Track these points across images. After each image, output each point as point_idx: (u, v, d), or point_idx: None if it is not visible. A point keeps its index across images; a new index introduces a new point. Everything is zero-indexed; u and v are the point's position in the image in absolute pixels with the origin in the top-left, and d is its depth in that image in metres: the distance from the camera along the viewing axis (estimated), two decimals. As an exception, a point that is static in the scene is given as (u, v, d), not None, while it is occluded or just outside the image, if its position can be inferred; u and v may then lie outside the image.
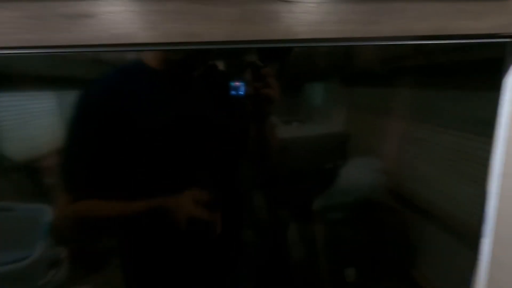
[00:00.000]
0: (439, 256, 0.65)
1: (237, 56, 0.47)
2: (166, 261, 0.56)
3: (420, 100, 0.55)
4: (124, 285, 0.57)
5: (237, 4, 0.40)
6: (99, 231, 0.56)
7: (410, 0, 0.43)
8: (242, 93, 0.47)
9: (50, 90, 0.48)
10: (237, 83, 0.47)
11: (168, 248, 0.55)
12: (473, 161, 0.59)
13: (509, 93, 0.84)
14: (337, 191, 0.58)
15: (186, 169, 0.52)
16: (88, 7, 0.37)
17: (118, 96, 0.48)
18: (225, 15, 0.40)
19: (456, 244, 0.63)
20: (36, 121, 0.48)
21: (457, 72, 0.52)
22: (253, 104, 0.49)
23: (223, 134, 0.52)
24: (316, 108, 0.54)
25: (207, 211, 0.51)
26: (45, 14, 0.37)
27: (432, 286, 0.65)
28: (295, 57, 0.48)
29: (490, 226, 0.90)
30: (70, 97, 0.46)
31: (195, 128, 0.49)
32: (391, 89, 0.53)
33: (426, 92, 0.54)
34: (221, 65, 0.48)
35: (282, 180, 0.57)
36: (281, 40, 0.42)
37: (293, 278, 0.63)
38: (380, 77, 0.52)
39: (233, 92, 0.47)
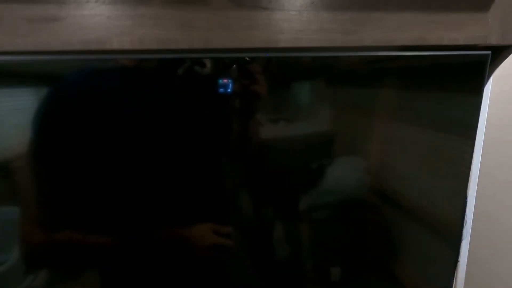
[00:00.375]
0: (421, 255, 0.67)
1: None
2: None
3: (403, 101, 0.55)
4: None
5: (215, 10, 0.39)
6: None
7: (390, 10, 0.43)
8: (229, 90, 0.45)
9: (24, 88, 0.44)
10: (224, 80, 0.45)
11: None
12: (454, 162, 0.60)
13: (487, 99, 0.87)
14: (323, 190, 0.58)
15: (184, 178, 0.50)
16: (55, 10, 0.35)
17: (97, 101, 0.43)
18: (203, 21, 0.39)
19: (438, 243, 0.65)
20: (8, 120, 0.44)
21: (439, 75, 0.52)
22: (240, 102, 0.47)
23: (212, 134, 0.50)
24: (302, 107, 0.53)
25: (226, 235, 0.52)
26: (6, 16, 0.34)
27: (414, 284, 0.67)
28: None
29: (468, 226, 0.93)
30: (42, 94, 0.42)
31: (186, 131, 0.47)
32: (375, 90, 0.53)
33: (408, 94, 0.55)
34: (207, 62, 0.45)
35: (269, 180, 0.56)
36: (260, 49, 0.41)
37: (281, 278, 0.63)
38: (365, 78, 0.51)
39: (221, 90, 0.45)
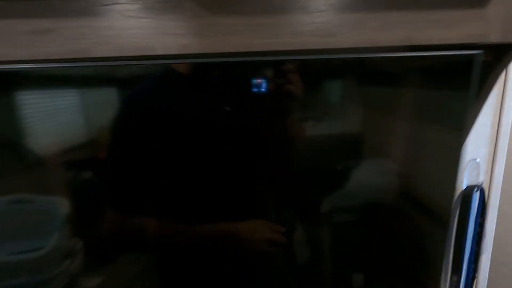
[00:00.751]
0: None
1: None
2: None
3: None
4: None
5: (190, 18, 0.41)
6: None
7: (370, 10, 0.42)
8: (264, 90, 0.46)
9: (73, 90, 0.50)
10: (258, 80, 0.46)
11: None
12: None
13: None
14: (348, 192, 0.58)
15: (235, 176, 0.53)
16: (46, 24, 0.39)
17: (156, 106, 0.49)
18: (178, 28, 0.41)
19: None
20: (58, 118, 0.51)
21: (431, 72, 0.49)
22: (274, 101, 0.48)
23: (251, 134, 0.52)
24: (331, 106, 0.53)
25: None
26: (7, 30, 0.39)
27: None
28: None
29: (489, 240, 0.86)
30: (93, 95, 0.48)
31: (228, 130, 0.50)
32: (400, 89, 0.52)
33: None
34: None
35: (298, 180, 0.57)
36: (238, 53, 0.42)
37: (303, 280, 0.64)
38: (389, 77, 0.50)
39: (254, 90, 0.46)
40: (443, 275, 0.86)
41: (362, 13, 0.42)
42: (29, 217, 0.58)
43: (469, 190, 0.77)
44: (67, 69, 0.43)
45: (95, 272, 0.60)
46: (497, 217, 0.80)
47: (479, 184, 0.77)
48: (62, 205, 0.56)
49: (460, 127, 0.49)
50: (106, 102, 0.47)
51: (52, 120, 0.50)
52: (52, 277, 0.60)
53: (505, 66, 0.50)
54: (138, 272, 0.60)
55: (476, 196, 0.78)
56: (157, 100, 0.48)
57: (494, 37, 0.44)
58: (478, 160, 0.78)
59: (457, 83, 0.46)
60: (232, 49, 0.42)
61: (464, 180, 0.79)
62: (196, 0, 0.39)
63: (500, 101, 0.74)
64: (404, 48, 0.44)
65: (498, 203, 0.80)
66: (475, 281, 0.82)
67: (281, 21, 0.41)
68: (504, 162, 0.77)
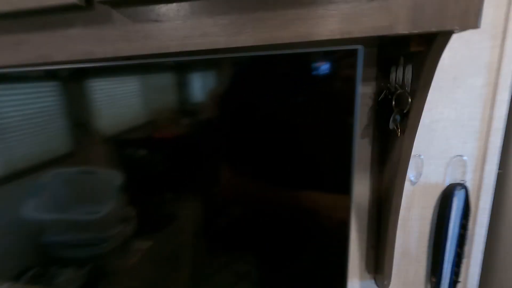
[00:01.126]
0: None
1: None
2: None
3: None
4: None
5: (120, 26, 0.49)
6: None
7: (270, 9, 0.45)
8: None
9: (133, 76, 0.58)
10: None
11: None
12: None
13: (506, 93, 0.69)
14: None
15: None
16: (22, 36, 0.52)
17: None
18: (111, 35, 0.50)
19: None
20: (121, 102, 0.59)
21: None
22: None
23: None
24: None
25: None
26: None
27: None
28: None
29: (478, 243, 0.80)
30: (151, 80, 0.57)
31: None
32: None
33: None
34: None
35: None
36: (157, 54, 0.50)
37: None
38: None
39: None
40: (424, 275, 0.82)
41: (262, 12, 0.45)
42: (92, 186, 0.68)
43: (451, 188, 0.72)
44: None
45: (146, 237, 0.70)
46: (490, 221, 0.74)
47: (463, 182, 0.72)
48: (118, 178, 0.64)
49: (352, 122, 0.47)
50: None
51: (115, 104, 0.60)
52: (109, 236, 0.71)
53: (437, 56, 0.46)
54: (184, 240, 0.67)
55: (460, 195, 0.72)
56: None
57: (402, 28, 0.42)
58: (465, 157, 0.72)
59: (342, 80, 0.46)
60: (152, 51, 0.49)
61: (446, 178, 0.74)
62: None
63: (492, 93, 0.67)
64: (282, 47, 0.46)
65: (489, 205, 0.73)
66: (457, 286, 0.77)
67: (192, 24, 0.47)
68: (497, 161, 0.70)
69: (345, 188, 0.52)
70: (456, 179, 0.74)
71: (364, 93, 0.70)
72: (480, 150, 0.71)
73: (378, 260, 0.78)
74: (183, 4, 0.46)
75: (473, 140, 0.70)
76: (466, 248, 0.75)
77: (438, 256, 0.75)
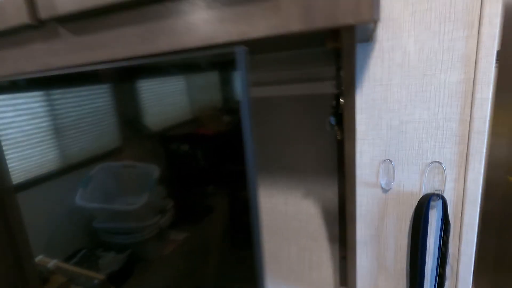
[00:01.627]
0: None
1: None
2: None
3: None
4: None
5: (66, 39, 0.56)
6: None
7: (178, 17, 0.46)
8: None
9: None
10: None
11: None
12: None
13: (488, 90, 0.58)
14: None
15: None
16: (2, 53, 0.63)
17: None
18: (61, 49, 0.57)
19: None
20: (165, 100, 0.59)
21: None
22: None
23: None
24: None
25: None
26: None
27: None
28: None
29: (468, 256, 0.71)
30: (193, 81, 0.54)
31: None
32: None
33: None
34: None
35: None
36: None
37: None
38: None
39: None
40: (403, 293, 0.75)
41: (171, 20, 0.47)
42: (133, 179, 0.72)
43: (426, 198, 0.64)
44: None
45: (181, 229, 0.72)
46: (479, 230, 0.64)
47: (438, 192, 0.64)
48: (156, 171, 0.67)
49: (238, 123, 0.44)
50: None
51: (160, 102, 0.60)
52: (146, 226, 0.74)
53: (351, 52, 0.43)
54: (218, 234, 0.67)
55: (439, 207, 0.64)
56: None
57: (295, 26, 0.40)
58: (443, 164, 0.64)
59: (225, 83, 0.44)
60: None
61: (423, 186, 0.66)
62: None
63: (470, 90, 0.59)
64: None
65: (476, 221, 0.64)
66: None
67: (113, 34, 0.51)
68: (482, 169, 0.60)
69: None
70: (434, 188, 0.65)
71: (326, 93, 0.66)
72: (461, 156, 0.61)
73: (347, 272, 0.73)
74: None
75: (452, 145, 0.61)
76: (450, 269, 0.66)
77: (416, 275, 0.67)
